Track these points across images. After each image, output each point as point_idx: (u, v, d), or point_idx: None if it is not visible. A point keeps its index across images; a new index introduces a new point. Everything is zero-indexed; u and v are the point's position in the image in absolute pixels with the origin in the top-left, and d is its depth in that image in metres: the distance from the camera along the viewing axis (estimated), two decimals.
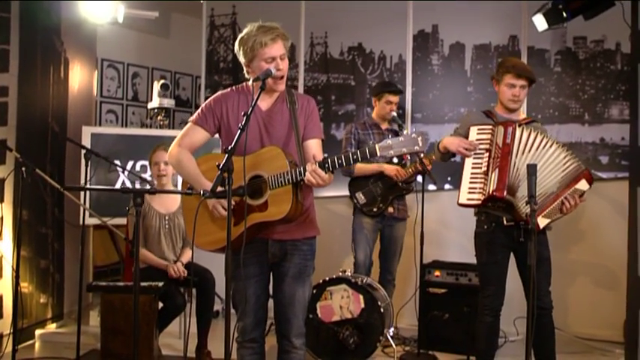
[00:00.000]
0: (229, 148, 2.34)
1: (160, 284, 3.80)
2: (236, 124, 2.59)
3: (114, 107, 6.62)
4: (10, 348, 3.75)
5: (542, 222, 3.07)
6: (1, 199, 4.28)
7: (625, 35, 4.41)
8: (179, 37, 6.84)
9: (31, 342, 4.57)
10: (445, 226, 5.19)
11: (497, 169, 3.08)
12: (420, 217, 4.28)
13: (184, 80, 7.11)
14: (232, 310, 2.53)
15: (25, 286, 4.45)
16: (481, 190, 3.10)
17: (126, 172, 5.00)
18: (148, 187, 4.69)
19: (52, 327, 4.85)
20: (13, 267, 3.76)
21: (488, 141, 3.17)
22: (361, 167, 4.46)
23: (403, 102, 5.33)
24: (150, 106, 5.88)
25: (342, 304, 3.95)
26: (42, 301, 4.75)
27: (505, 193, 3.05)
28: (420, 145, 2.38)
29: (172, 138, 2.81)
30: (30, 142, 4.57)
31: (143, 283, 3.62)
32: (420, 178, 4.51)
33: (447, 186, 5.20)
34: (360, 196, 4.50)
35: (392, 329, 4.32)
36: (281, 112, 2.66)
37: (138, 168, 5.15)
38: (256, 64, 2.57)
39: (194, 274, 4.01)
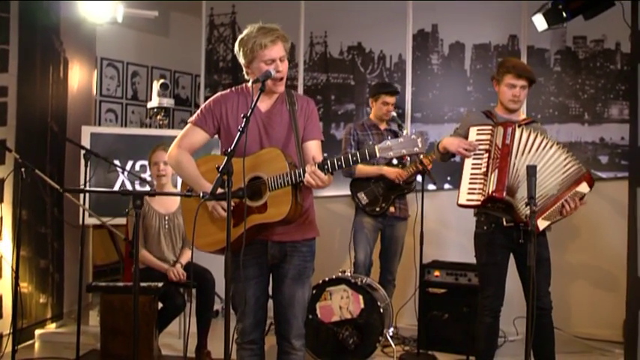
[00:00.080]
0: (229, 150, 2.33)
1: (160, 285, 3.80)
2: (235, 126, 2.59)
3: (113, 106, 6.62)
4: (9, 348, 3.74)
5: (541, 224, 3.07)
6: (1, 199, 4.28)
7: (625, 35, 4.41)
8: (178, 36, 6.84)
9: (30, 342, 4.57)
10: (445, 225, 5.19)
11: (496, 170, 3.08)
12: (419, 217, 4.28)
13: (184, 79, 7.11)
14: (232, 311, 2.53)
15: (25, 286, 4.45)
16: (481, 191, 3.10)
17: (125, 173, 5.00)
18: (147, 187, 4.69)
19: (51, 327, 4.86)
20: (12, 267, 3.76)
21: (488, 141, 3.16)
22: (362, 169, 4.47)
23: (403, 102, 5.33)
24: (149, 105, 5.88)
25: (341, 305, 3.95)
26: (42, 301, 4.75)
27: (504, 194, 3.05)
28: (420, 146, 2.38)
29: (172, 138, 2.81)
30: (29, 142, 4.57)
31: (143, 284, 3.63)
32: (419, 178, 4.52)
33: (446, 185, 5.20)
34: (362, 196, 4.51)
35: (391, 329, 4.32)
36: (280, 114, 2.66)
37: (137, 168, 5.14)
38: (256, 65, 2.57)
39: (194, 275, 4.01)
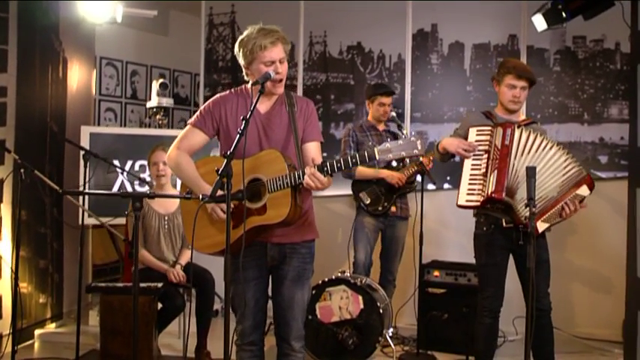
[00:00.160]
0: (229, 152, 2.33)
1: (159, 285, 3.80)
2: (235, 127, 2.59)
3: (113, 105, 6.61)
4: (9, 348, 3.74)
5: (541, 226, 3.07)
6: (0, 199, 4.28)
7: (624, 35, 4.41)
8: (178, 35, 6.82)
9: (30, 342, 4.57)
10: (444, 225, 5.19)
11: (495, 171, 3.07)
12: (419, 217, 4.28)
13: (183, 78, 7.10)
14: (231, 312, 2.53)
15: (25, 287, 4.45)
16: (480, 192, 3.10)
17: (125, 173, 4.99)
18: (146, 187, 4.69)
19: (51, 327, 4.86)
20: (12, 267, 3.76)
21: (487, 142, 3.16)
22: (362, 171, 4.47)
23: (402, 101, 5.32)
24: (148, 105, 5.87)
25: (341, 305, 3.95)
26: (41, 301, 4.75)
27: (504, 195, 3.04)
28: (419, 148, 2.38)
29: (171, 137, 2.81)
30: (29, 142, 4.56)
31: (142, 284, 3.63)
32: (419, 178, 4.52)
33: (446, 185, 5.20)
34: (365, 196, 4.51)
35: (391, 329, 4.32)
36: (280, 115, 2.66)
37: (137, 168, 5.14)
38: (255, 66, 2.56)
39: (193, 275, 4.01)
